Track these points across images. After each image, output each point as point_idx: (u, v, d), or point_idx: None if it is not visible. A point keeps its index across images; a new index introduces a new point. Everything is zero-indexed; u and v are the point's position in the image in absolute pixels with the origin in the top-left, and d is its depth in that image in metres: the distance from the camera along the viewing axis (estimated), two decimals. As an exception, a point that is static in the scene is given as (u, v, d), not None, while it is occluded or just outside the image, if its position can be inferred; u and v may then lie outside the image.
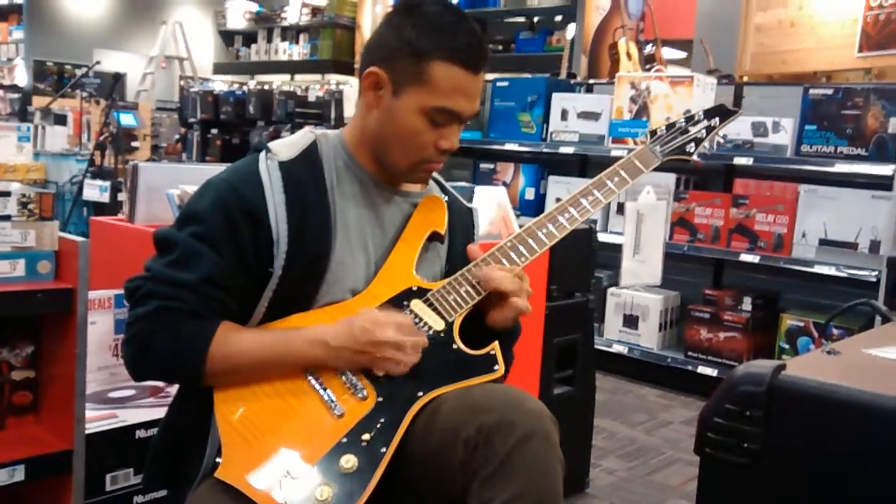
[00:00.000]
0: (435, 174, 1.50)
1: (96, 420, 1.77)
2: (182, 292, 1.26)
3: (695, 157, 1.57)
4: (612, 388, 4.19)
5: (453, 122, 1.36)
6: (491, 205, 2.64)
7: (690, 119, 1.59)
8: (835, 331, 3.58)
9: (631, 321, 4.33)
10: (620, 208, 4.48)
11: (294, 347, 1.29)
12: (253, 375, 1.29)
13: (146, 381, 1.44)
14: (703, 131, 1.58)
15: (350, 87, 6.73)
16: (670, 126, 1.58)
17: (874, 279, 3.54)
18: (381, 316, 1.30)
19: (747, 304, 4.03)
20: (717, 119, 1.59)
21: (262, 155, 1.36)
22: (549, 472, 1.20)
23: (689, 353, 4.12)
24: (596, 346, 3.02)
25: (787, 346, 3.88)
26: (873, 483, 1.06)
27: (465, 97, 1.35)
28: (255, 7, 10.14)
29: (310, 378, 1.30)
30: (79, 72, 7.60)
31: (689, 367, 4.09)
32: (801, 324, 3.84)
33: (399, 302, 1.38)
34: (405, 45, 1.33)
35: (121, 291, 2.00)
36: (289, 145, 1.39)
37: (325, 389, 1.29)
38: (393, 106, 1.35)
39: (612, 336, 4.38)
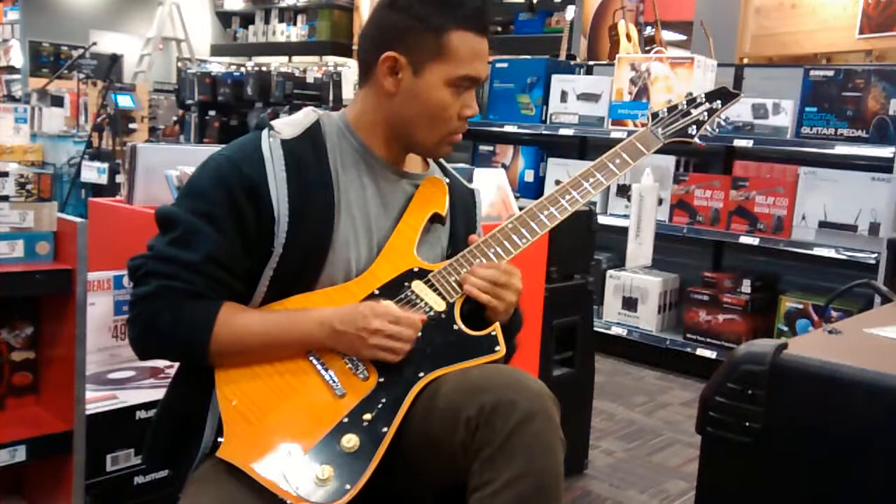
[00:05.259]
0: None
1: (96, 401, 1.77)
2: (184, 272, 1.26)
3: (696, 140, 1.57)
4: (612, 370, 4.20)
5: (472, 88, 1.39)
6: (490, 187, 2.64)
7: (692, 101, 1.57)
8: (834, 313, 3.58)
9: (630, 303, 4.33)
10: (620, 190, 4.48)
11: (300, 329, 1.29)
12: (257, 356, 1.29)
13: (151, 359, 1.44)
14: (705, 114, 1.57)
15: (348, 68, 6.71)
16: (672, 108, 1.57)
17: (873, 261, 3.54)
18: (379, 306, 1.29)
19: (746, 286, 4.03)
20: (718, 101, 1.58)
21: (265, 132, 1.35)
22: (550, 452, 1.20)
23: (688, 336, 4.13)
24: (595, 329, 3.02)
25: (785, 329, 3.89)
26: (875, 461, 1.06)
27: (481, 60, 1.38)
28: (252, -12, 10.08)
29: (311, 358, 1.30)
30: (75, 53, 7.55)
31: (688, 350, 4.10)
32: (801, 306, 3.84)
33: (400, 283, 1.37)
34: (418, 22, 1.33)
35: (120, 273, 2.01)
36: (292, 124, 1.38)
37: (326, 370, 1.29)
38: (416, 85, 1.35)
39: (612, 318, 4.38)
